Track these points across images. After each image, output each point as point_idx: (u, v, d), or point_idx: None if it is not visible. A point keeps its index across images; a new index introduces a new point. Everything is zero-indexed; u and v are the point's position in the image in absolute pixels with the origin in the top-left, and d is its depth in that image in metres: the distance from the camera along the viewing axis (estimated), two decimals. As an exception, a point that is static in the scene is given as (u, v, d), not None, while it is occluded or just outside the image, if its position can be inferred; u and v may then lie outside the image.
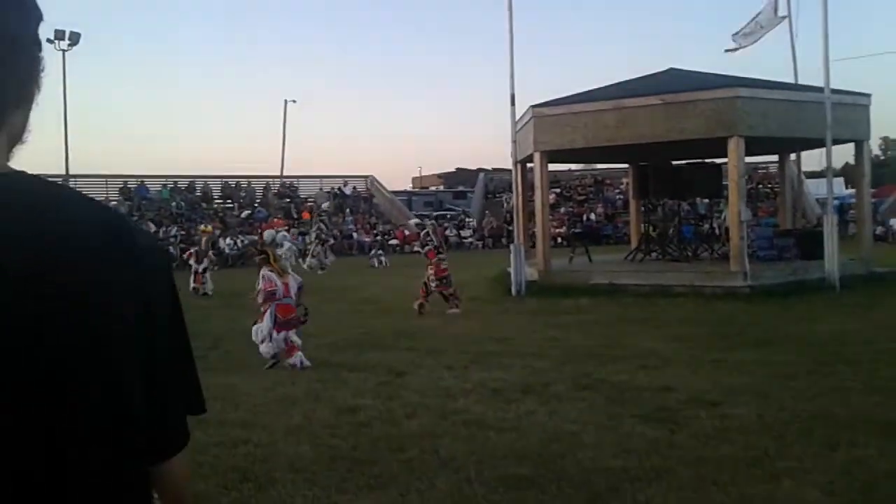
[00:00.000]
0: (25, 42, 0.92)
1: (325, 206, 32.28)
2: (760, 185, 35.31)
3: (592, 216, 35.56)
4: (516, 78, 15.66)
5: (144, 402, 0.92)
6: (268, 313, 8.65)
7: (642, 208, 20.18)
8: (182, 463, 1.04)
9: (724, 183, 16.44)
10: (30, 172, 0.93)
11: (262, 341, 8.60)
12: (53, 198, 0.92)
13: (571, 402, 6.55)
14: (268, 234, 10.01)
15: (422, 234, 13.58)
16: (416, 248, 13.63)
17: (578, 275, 15.91)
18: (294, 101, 42.46)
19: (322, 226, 25.73)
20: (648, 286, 14.22)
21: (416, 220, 16.77)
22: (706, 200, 21.73)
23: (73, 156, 31.72)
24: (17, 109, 0.93)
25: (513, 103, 15.81)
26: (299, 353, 8.54)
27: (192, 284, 17.92)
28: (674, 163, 18.26)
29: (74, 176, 31.90)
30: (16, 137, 0.96)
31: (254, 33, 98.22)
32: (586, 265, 18.06)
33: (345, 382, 7.58)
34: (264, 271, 9.01)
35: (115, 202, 31.32)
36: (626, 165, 23.29)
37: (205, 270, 18.31)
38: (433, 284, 12.83)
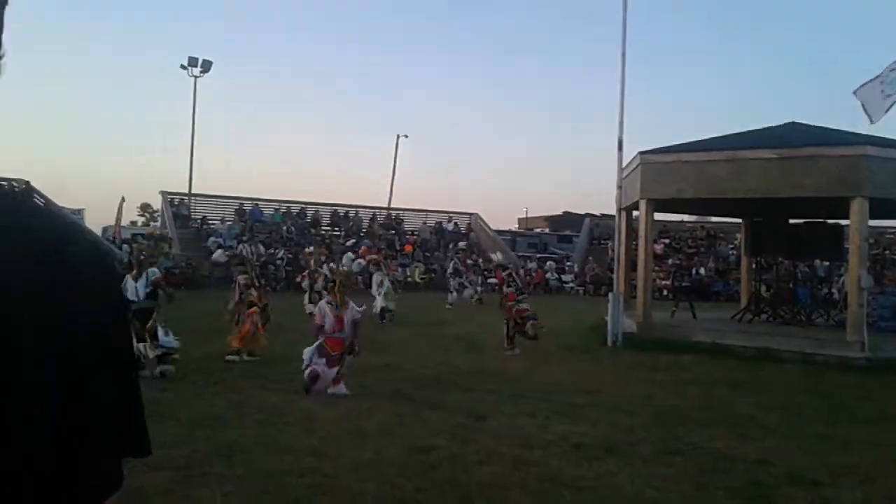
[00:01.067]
0: None
1: (461, 244, 32.68)
2: (888, 252, 33.01)
3: (702, 270, 34.15)
4: (626, 123, 15.37)
5: (70, 438, 0.80)
6: (316, 344, 8.81)
7: (754, 266, 19.20)
8: None
9: (847, 246, 15.41)
10: None
11: (305, 369, 8.74)
12: None
13: (657, 467, 6.16)
14: (346, 258, 10.30)
15: (504, 275, 13.58)
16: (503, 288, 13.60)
17: (680, 330, 15.21)
18: (406, 137, 43.35)
19: (457, 261, 26.02)
20: (754, 349, 13.40)
21: (501, 256, 16.53)
22: (826, 263, 20.43)
23: (196, 176, 33.56)
24: None
25: (620, 149, 15.45)
26: (342, 384, 8.72)
27: (306, 305, 18.42)
28: (791, 221, 17.30)
29: (196, 195, 33.64)
30: None
31: (372, 70, 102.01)
32: (689, 321, 17.24)
33: (422, 420, 7.45)
34: (321, 303, 9.21)
35: (230, 222, 32.80)
36: (738, 220, 22.31)
37: (322, 290, 18.97)
38: (512, 324, 12.83)
